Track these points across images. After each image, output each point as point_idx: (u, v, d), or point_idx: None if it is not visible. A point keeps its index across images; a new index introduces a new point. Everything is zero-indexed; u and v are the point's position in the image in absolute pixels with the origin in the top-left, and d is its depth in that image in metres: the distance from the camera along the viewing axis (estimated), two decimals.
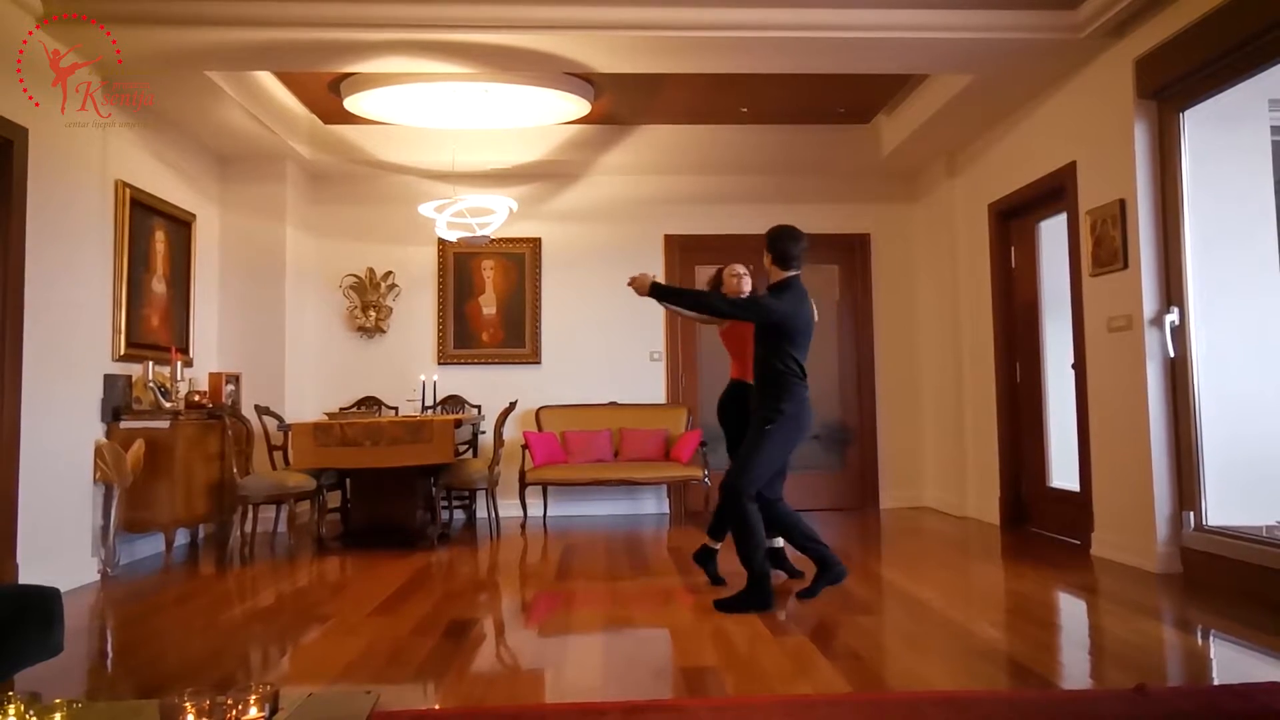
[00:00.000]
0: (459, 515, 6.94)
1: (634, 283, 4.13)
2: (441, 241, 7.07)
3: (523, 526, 6.54)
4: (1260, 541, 4.01)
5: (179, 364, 5.73)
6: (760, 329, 4.07)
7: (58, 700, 1.90)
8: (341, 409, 6.93)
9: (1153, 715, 2.48)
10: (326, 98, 6.23)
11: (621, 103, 6.43)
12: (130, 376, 5.43)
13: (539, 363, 7.38)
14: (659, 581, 4.54)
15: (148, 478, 5.18)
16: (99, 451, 4.95)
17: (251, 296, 6.73)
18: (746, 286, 4.56)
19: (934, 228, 7.24)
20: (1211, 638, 3.49)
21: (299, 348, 7.00)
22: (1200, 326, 4.47)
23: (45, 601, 2.39)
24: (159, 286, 5.87)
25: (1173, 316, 4.50)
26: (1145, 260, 4.60)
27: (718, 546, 4.41)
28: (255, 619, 4.03)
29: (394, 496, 5.77)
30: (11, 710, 1.81)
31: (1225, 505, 4.36)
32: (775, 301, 3.99)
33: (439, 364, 7.29)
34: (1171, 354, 4.51)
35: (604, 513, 7.16)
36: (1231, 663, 3.25)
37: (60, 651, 2.42)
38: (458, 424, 5.75)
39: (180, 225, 6.14)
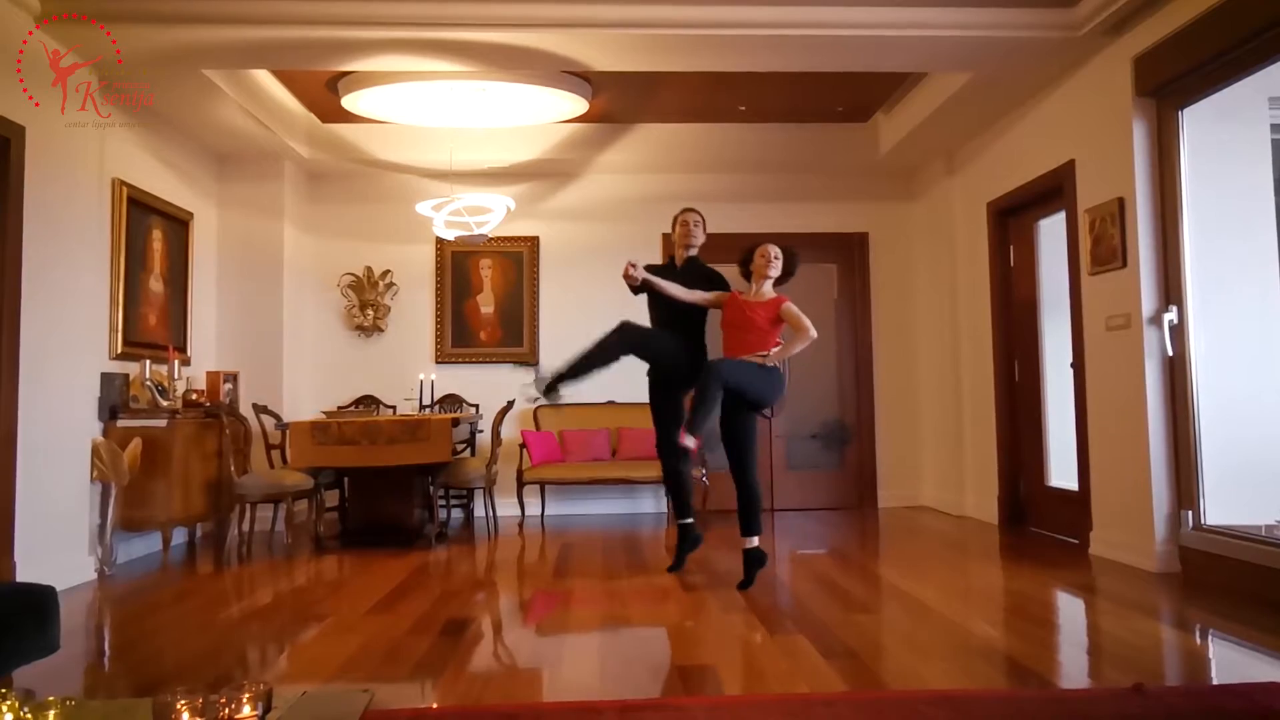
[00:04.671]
0: (456, 514, 6.92)
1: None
2: (439, 240, 7.06)
3: (520, 525, 6.53)
4: (1260, 541, 4.01)
5: (176, 362, 5.72)
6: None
7: (52, 698, 1.89)
8: (339, 408, 6.92)
9: (1151, 715, 2.47)
10: (324, 96, 6.22)
11: (619, 101, 6.42)
12: (128, 375, 5.42)
13: (537, 362, 7.37)
14: (656, 580, 4.53)
15: (145, 476, 5.17)
16: (96, 450, 4.94)
17: (249, 295, 6.72)
18: (772, 272, 4.53)
19: (932, 226, 7.23)
20: (1210, 637, 3.49)
21: (297, 346, 6.99)
22: (1199, 325, 4.46)
23: (41, 599, 2.38)
24: (156, 285, 5.86)
25: (1171, 315, 4.50)
26: (1144, 259, 4.59)
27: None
28: (252, 618, 4.02)
29: (391, 495, 5.76)
30: (6, 708, 1.81)
31: (1224, 504, 4.35)
32: None
33: (437, 363, 7.28)
34: (1170, 353, 4.51)
35: (601, 512, 7.15)
36: (1231, 662, 3.24)
37: (56, 650, 2.41)
38: (455, 423, 5.74)
39: (178, 224, 6.13)
